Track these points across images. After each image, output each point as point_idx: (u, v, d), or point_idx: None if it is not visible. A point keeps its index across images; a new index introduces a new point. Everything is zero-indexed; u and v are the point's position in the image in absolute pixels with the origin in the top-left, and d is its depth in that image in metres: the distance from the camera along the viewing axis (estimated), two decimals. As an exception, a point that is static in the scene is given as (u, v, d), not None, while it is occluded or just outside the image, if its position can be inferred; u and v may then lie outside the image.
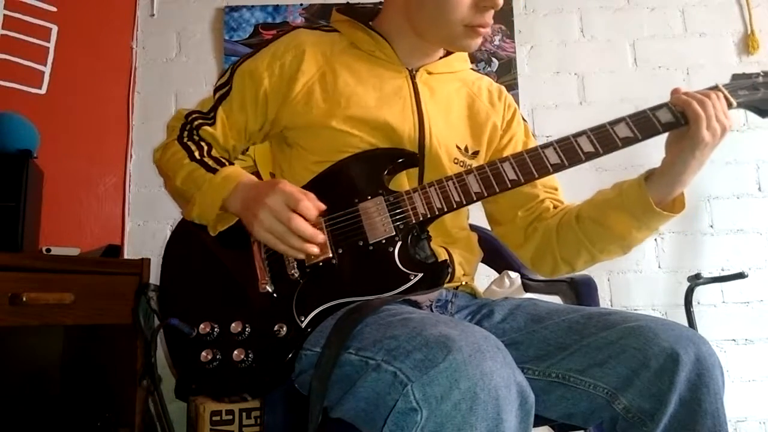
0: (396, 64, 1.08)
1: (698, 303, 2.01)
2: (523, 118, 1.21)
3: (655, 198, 0.94)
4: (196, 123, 1.05)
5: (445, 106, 1.10)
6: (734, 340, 2.07)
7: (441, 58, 1.13)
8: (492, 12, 1.01)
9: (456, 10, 0.98)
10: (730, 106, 0.95)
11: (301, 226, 0.88)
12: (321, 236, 0.89)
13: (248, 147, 1.13)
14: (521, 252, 1.14)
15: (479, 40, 1.03)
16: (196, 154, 1.00)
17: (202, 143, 1.03)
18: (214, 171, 0.97)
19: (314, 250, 0.89)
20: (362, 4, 2.23)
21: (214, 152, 1.03)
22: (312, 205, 0.90)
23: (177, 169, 1.00)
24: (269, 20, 2.24)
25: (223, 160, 1.01)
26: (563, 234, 1.05)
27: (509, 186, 0.94)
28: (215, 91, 1.08)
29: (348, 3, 2.22)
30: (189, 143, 1.02)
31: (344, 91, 1.03)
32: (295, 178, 1.04)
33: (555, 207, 1.12)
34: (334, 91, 1.03)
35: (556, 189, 1.15)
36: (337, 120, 1.01)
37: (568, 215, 1.05)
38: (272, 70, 1.04)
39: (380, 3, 1.12)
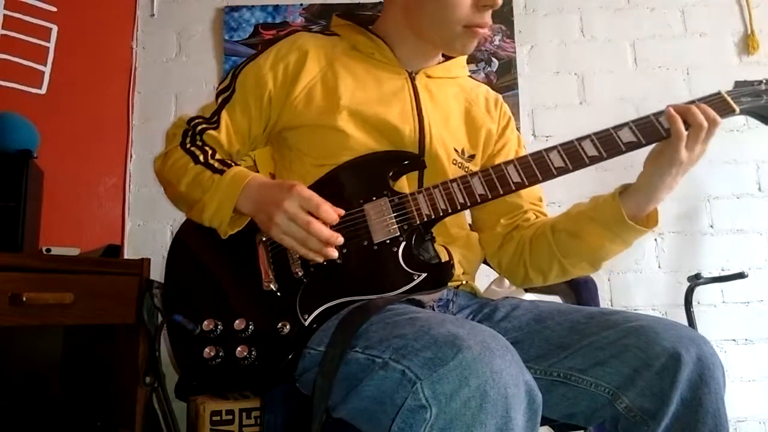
0: (395, 66, 1.09)
1: (698, 303, 2.01)
2: (517, 128, 1.22)
3: (629, 212, 0.95)
4: (199, 128, 1.04)
5: (443, 110, 1.11)
6: (734, 340, 2.07)
7: (440, 63, 1.14)
8: (490, 12, 1.02)
9: (456, 10, 1.00)
10: (732, 112, 0.95)
11: (321, 231, 0.88)
12: (340, 238, 0.89)
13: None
14: (495, 259, 1.14)
15: (475, 42, 1.05)
16: (201, 158, 0.99)
17: (206, 148, 1.02)
18: (221, 172, 0.96)
19: (334, 253, 0.89)
20: (363, 3, 2.23)
21: (218, 156, 1.02)
22: (332, 209, 0.90)
23: (181, 174, 0.99)
24: (269, 20, 2.24)
25: (229, 162, 1.00)
26: (536, 245, 1.06)
27: (513, 188, 0.95)
28: (218, 95, 1.07)
29: (348, 5, 2.23)
30: (193, 148, 1.01)
31: (344, 90, 1.04)
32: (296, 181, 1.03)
33: (537, 218, 1.13)
34: (334, 90, 1.03)
35: (540, 200, 1.16)
36: (336, 118, 1.01)
37: (543, 227, 1.06)
38: (276, 72, 1.05)
39: (380, 8, 1.13)
